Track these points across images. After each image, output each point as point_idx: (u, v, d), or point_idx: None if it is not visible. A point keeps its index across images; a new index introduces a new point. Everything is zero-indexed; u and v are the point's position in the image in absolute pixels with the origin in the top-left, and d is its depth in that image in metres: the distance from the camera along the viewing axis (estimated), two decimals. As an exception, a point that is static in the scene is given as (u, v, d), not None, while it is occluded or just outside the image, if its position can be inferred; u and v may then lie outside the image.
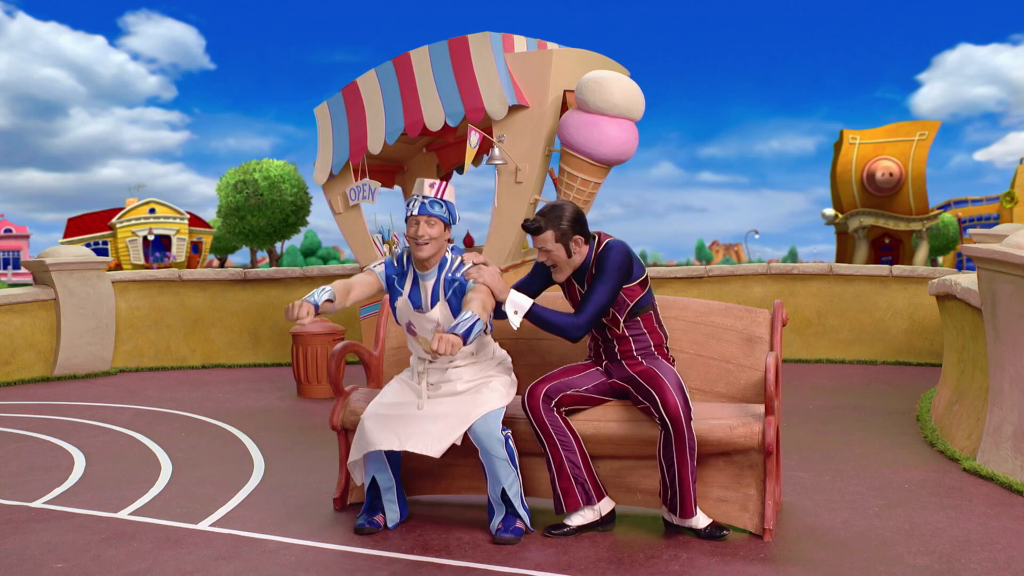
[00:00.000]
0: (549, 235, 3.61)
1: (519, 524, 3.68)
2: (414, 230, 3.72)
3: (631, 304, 3.66)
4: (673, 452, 3.51)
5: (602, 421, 3.70)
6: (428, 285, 3.79)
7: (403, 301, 3.86)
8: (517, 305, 3.58)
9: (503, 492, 3.67)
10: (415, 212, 3.71)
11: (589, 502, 3.70)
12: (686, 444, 3.50)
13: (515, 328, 3.62)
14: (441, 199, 3.73)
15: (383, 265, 3.92)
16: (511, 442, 3.67)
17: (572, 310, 3.86)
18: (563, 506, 3.70)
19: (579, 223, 3.63)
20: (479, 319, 3.44)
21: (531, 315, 3.62)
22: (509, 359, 4.00)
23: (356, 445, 3.77)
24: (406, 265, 3.88)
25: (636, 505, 3.83)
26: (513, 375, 3.95)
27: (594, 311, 3.58)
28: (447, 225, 3.76)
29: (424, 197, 3.73)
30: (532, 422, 3.65)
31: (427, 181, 3.78)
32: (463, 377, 3.77)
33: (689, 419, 3.51)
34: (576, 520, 3.73)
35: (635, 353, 3.70)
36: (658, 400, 3.52)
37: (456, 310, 3.76)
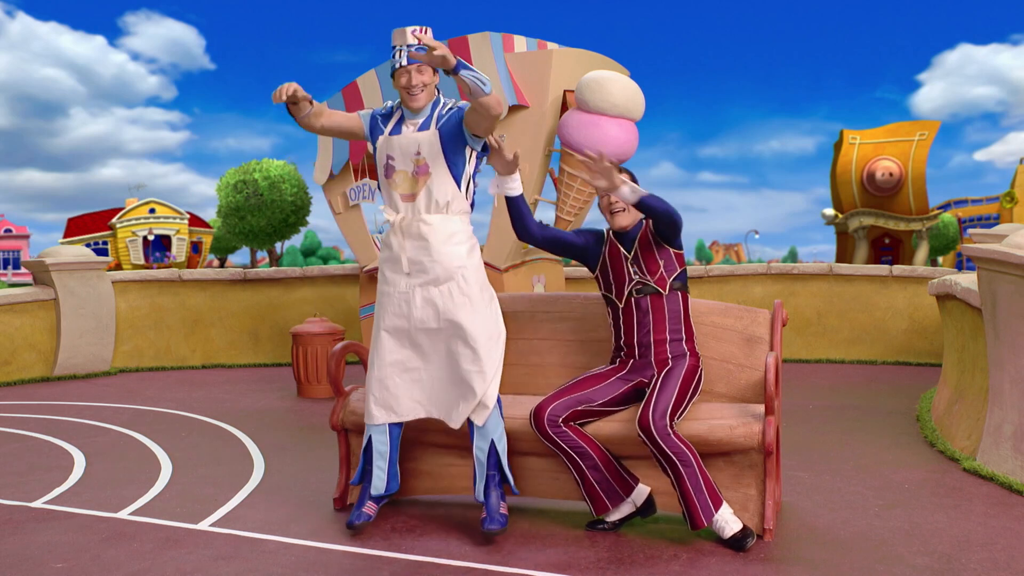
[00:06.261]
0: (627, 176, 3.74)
1: (503, 509, 3.65)
2: (406, 80, 3.62)
3: (678, 270, 3.71)
4: (662, 463, 3.49)
5: (602, 421, 3.69)
6: (416, 121, 3.70)
7: (383, 137, 3.75)
8: (508, 187, 3.73)
9: (492, 446, 3.64)
10: (404, 63, 3.61)
11: (618, 500, 3.70)
12: (668, 455, 3.43)
13: (491, 190, 3.75)
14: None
15: (369, 111, 3.86)
16: (498, 395, 3.69)
17: (597, 290, 3.97)
18: (593, 511, 3.73)
19: None
20: (488, 82, 3.39)
21: (511, 201, 3.76)
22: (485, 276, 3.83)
23: (372, 411, 3.72)
24: (394, 110, 3.80)
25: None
26: (496, 301, 3.85)
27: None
28: (436, 70, 3.65)
29: (408, 45, 3.60)
30: (543, 441, 3.64)
31: (408, 29, 3.62)
32: (437, 237, 3.66)
33: (666, 434, 3.41)
34: (613, 517, 3.75)
35: (667, 342, 3.67)
36: (647, 405, 3.48)
37: (448, 137, 3.64)
